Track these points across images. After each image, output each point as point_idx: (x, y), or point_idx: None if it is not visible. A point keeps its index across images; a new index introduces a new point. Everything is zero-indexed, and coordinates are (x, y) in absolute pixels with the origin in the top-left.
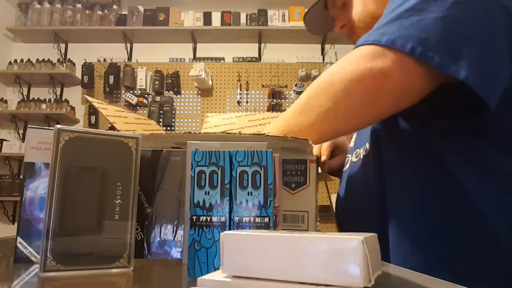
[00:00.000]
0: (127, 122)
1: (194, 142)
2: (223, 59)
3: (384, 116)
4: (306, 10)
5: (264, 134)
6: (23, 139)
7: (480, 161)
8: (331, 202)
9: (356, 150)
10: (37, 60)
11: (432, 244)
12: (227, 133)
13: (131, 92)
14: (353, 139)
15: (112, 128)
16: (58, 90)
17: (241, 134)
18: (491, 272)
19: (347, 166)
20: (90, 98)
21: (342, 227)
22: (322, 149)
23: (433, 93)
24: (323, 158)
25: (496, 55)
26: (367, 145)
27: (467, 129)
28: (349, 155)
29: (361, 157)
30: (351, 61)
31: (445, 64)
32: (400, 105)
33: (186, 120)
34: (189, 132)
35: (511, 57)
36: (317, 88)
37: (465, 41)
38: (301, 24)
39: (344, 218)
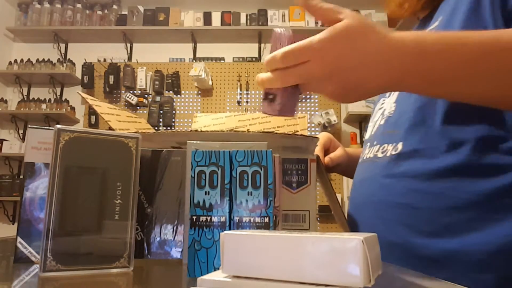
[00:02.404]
0: (121, 121)
1: (194, 142)
2: (223, 59)
3: None
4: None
5: (271, 132)
6: (23, 139)
7: None
8: (337, 200)
9: (384, 145)
10: (37, 60)
11: None
12: (235, 131)
13: (131, 92)
14: (374, 131)
15: (112, 128)
16: (58, 90)
17: (249, 131)
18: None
19: (370, 158)
20: (83, 95)
21: (354, 224)
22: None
23: None
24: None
25: None
26: (400, 145)
27: None
28: (368, 147)
29: (388, 154)
30: None
31: None
32: None
33: (186, 120)
34: (196, 131)
35: None
36: None
37: None
38: (301, 24)
39: (359, 212)
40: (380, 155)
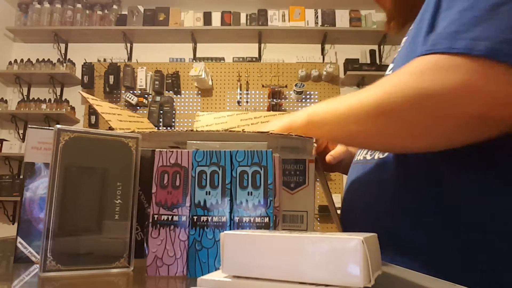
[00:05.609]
0: (122, 120)
1: (194, 142)
2: (223, 59)
3: (477, 142)
4: (306, 10)
5: (267, 132)
6: (23, 139)
7: None
8: (333, 202)
9: None
10: (37, 60)
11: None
12: (230, 130)
13: (131, 92)
14: None
15: (112, 128)
16: (58, 90)
17: (244, 131)
18: None
19: (360, 160)
20: (85, 94)
21: (346, 226)
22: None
23: None
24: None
25: None
26: None
27: None
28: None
29: (376, 157)
30: (444, 73)
31: None
32: (503, 130)
33: (186, 120)
34: (191, 130)
35: None
36: (406, 92)
37: None
38: (301, 24)
39: (351, 216)
40: (368, 157)
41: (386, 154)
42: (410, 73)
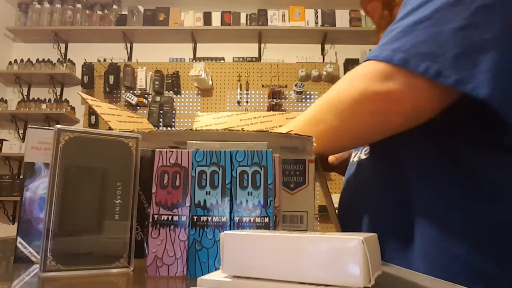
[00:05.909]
0: (121, 121)
1: (194, 142)
2: (223, 59)
3: (392, 134)
4: (306, 10)
5: (266, 131)
6: (23, 139)
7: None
8: (332, 202)
9: (366, 148)
10: (37, 60)
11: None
12: (229, 130)
13: (131, 92)
14: None
15: (112, 129)
16: (58, 90)
17: (244, 131)
18: None
19: (355, 161)
20: (84, 95)
21: (344, 225)
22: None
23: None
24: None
25: None
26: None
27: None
28: (354, 150)
29: (369, 155)
30: (361, 79)
31: (463, 81)
32: (410, 124)
33: (186, 120)
34: (191, 129)
35: None
36: (326, 102)
37: (486, 52)
38: (301, 24)
39: (348, 214)
40: (363, 156)
41: (379, 153)
42: (340, 83)
